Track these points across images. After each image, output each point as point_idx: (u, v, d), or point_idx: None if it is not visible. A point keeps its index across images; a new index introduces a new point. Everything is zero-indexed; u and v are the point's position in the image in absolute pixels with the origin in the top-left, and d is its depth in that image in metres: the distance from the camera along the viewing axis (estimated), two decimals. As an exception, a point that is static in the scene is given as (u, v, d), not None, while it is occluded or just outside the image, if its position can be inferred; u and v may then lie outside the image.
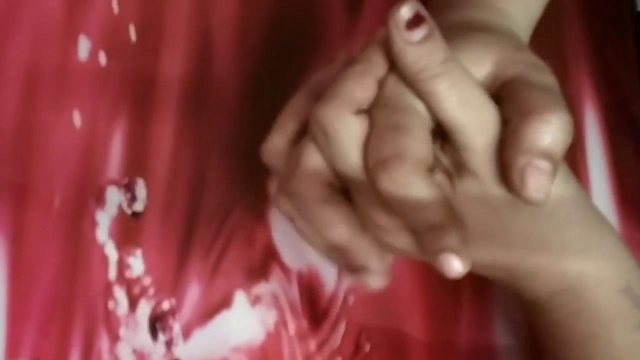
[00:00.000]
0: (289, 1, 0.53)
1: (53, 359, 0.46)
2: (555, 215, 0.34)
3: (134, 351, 0.46)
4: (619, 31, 0.53)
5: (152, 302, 0.47)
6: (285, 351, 0.47)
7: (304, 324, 0.47)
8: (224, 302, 0.47)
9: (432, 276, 0.47)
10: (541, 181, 0.32)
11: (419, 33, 0.32)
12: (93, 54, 0.51)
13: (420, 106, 0.34)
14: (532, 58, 0.36)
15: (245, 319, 0.47)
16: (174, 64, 0.51)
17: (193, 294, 0.47)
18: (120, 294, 0.47)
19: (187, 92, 0.51)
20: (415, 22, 0.32)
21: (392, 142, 0.32)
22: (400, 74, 0.34)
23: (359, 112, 0.34)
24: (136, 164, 0.49)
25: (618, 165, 0.51)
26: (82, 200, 0.48)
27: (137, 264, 0.48)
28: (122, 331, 0.47)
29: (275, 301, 0.47)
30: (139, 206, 0.49)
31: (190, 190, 0.49)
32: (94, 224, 0.48)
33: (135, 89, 0.51)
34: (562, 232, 0.35)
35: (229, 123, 0.51)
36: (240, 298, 0.47)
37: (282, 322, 0.47)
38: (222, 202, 0.49)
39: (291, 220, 0.36)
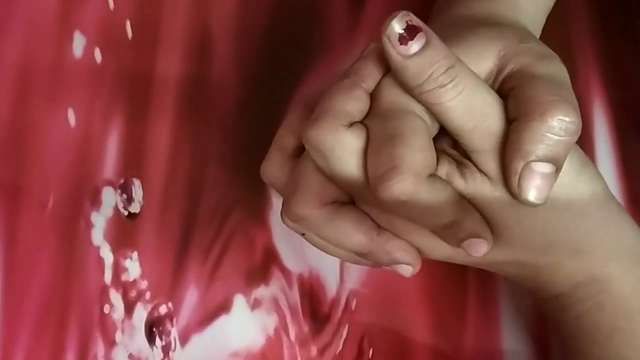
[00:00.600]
0: (289, -3, 0.53)
1: (47, 364, 0.46)
2: (574, 208, 0.34)
3: (130, 356, 0.46)
4: (628, 29, 0.53)
5: (149, 306, 0.47)
6: (286, 357, 0.46)
7: (305, 328, 0.47)
8: (223, 307, 0.47)
9: (436, 279, 0.47)
10: (538, 184, 0.31)
11: (415, 45, 0.32)
12: (88, 51, 0.51)
13: (417, 108, 0.33)
14: (539, 47, 0.35)
15: (245, 324, 0.47)
16: (171, 61, 0.51)
17: (191, 298, 0.47)
18: (116, 297, 0.47)
19: (184, 90, 0.51)
20: (409, 33, 0.32)
21: (388, 154, 0.31)
22: (401, 86, 0.33)
23: (352, 124, 0.33)
24: (132, 164, 0.49)
25: (627, 164, 0.51)
26: (77, 201, 0.48)
27: (133, 267, 0.47)
28: (118, 336, 0.46)
29: (276, 305, 0.47)
30: (135, 207, 0.48)
31: (188, 191, 0.49)
32: (89, 225, 0.48)
33: (131, 87, 0.50)
34: (583, 224, 0.34)
35: (227, 122, 0.50)
36: (239, 302, 0.47)
37: (282, 327, 0.47)
38: (220, 203, 0.49)
39: (302, 235, 0.36)
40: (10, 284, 0.46)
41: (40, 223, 0.48)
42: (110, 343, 0.46)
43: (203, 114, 0.50)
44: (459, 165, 0.33)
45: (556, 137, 0.31)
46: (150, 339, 0.46)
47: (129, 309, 0.47)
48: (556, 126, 0.31)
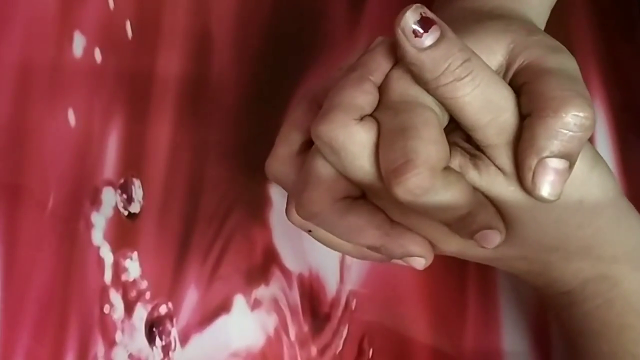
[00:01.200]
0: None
1: (47, 364, 0.46)
2: (587, 205, 0.34)
3: (130, 356, 0.46)
4: (628, 29, 0.53)
5: (149, 306, 0.47)
6: (286, 357, 0.46)
7: (305, 328, 0.47)
8: (223, 307, 0.47)
9: (436, 279, 0.47)
10: (552, 180, 0.31)
11: (430, 37, 0.31)
12: (88, 51, 0.51)
13: (428, 100, 0.32)
14: (547, 40, 0.34)
15: (245, 324, 0.47)
16: (171, 61, 0.51)
17: (191, 297, 0.47)
18: (116, 297, 0.47)
19: (184, 90, 0.50)
20: (423, 26, 0.31)
21: (401, 148, 0.31)
22: (416, 80, 0.32)
23: (362, 118, 0.32)
24: (132, 164, 0.49)
25: (627, 164, 0.51)
26: (77, 201, 0.48)
27: (133, 267, 0.47)
28: (118, 336, 0.46)
29: (276, 305, 0.47)
30: (135, 207, 0.48)
31: (188, 191, 0.49)
32: (89, 225, 0.48)
33: (131, 87, 0.50)
34: (594, 221, 0.34)
35: (227, 121, 0.50)
36: (239, 302, 0.47)
37: (282, 327, 0.47)
38: (221, 203, 0.49)
39: (308, 232, 0.36)
40: (10, 284, 0.46)
41: (40, 223, 0.47)
42: (110, 343, 0.46)
43: (203, 113, 0.50)
44: (472, 157, 0.33)
45: (570, 133, 0.31)
46: (150, 339, 0.46)
47: (129, 309, 0.46)
48: (570, 122, 0.31)
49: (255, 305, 0.47)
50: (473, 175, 0.33)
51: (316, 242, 0.36)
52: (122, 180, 0.48)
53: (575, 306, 0.36)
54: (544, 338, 0.47)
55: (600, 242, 0.35)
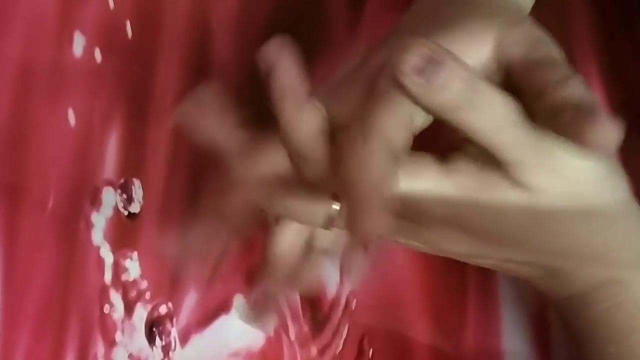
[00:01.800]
0: (289, -3, 0.53)
1: (47, 364, 0.46)
2: (600, 214, 0.34)
3: (130, 356, 0.46)
4: (628, 29, 0.53)
5: (149, 306, 0.47)
6: (286, 357, 0.46)
7: (305, 328, 0.47)
8: (223, 307, 0.47)
9: (436, 279, 0.47)
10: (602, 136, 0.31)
11: (431, 73, 0.30)
12: (88, 51, 0.51)
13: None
14: (533, 32, 0.34)
15: (245, 324, 0.46)
16: (171, 61, 0.51)
17: (191, 298, 0.47)
18: (116, 297, 0.47)
19: (185, 90, 0.50)
20: (424, 61, 0.30)
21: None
22: (427, 113, 0.32)
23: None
24: (132, 164, 0.49)
25: (627, 164, 0.50)
26: (77, 201, 0.48)
27: (133, 267, 0.47)
28: (118, 336, 0.46)
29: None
30: (135, 207, 0.48)
31: (188, 191, 0.49)
32: (89, 225, 0.48)
33: (131, 87, 0.50)
34: (607, 230, 0.34)
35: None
36: (239, 302, 0.47)
37: (282, 327, 0.47)
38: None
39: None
40: (10, 284, 0.46)
41: (40, 223, 0.47)
42: (110, 343, 0.46)
43: (203, 113, 0.50)
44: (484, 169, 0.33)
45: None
46: (150, 339, 0.46)
47: (129, 309, 0.47)
48: (603, 125, 0.31)
49: (255, 305, 0.47)
50: (483, 187, 0.33)
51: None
52: (122, 180, 0.49)
53: (582, 309, 0.36)
54: (544, 338, 0.47)
55: (612, 248, 0.34)
